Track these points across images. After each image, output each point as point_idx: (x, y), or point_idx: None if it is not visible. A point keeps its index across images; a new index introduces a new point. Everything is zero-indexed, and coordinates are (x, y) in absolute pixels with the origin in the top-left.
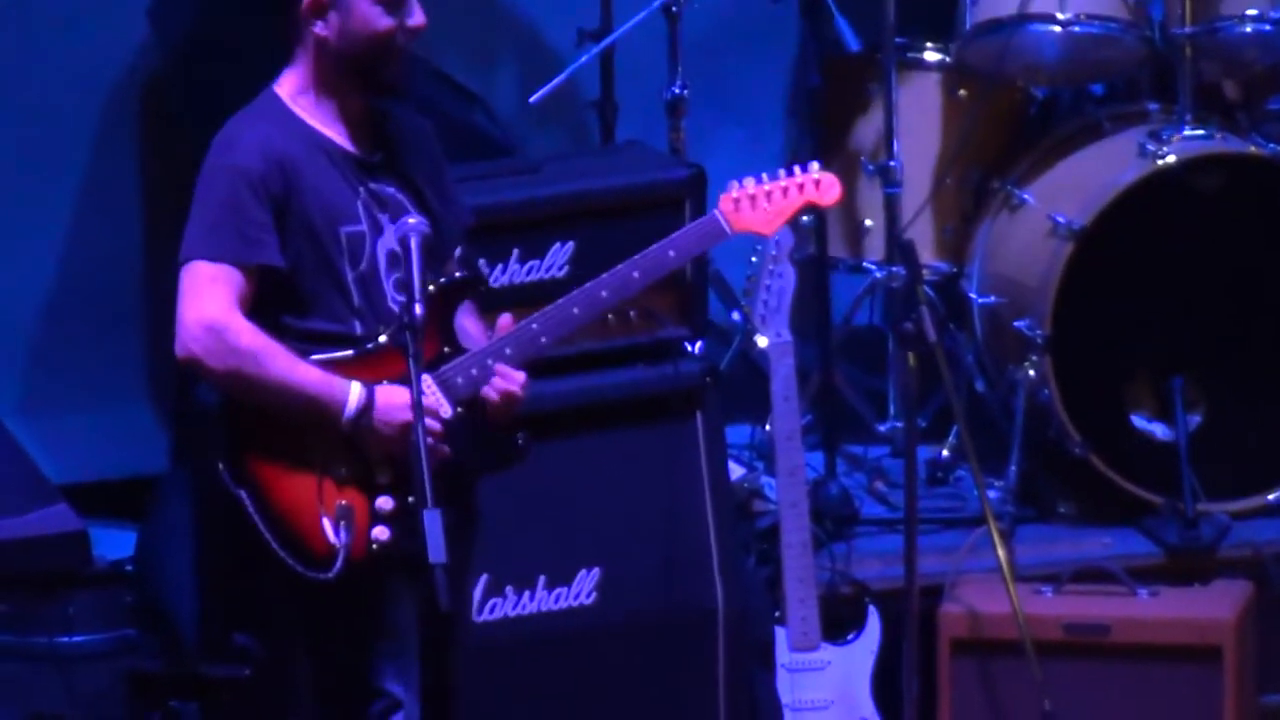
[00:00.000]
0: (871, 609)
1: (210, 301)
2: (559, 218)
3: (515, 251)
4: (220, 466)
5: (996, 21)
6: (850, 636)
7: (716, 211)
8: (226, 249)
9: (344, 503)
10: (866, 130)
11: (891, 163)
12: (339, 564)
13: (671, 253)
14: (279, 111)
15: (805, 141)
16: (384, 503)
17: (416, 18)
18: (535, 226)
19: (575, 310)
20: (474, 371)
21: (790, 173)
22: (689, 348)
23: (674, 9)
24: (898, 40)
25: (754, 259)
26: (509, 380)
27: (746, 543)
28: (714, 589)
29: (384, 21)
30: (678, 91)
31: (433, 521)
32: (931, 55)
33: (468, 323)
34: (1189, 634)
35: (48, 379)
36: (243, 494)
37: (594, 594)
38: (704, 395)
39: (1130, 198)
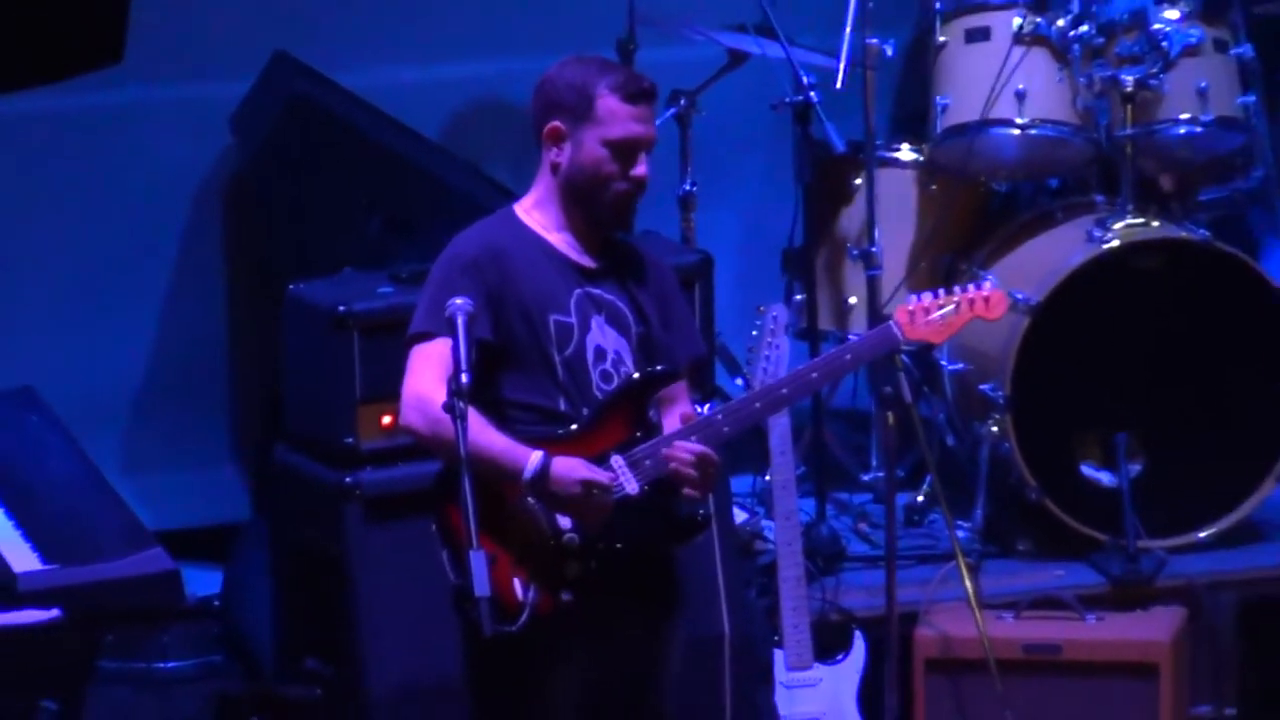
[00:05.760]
0: (857, 633)
1: (421, 377)
2: None
3: None
4: (434, 527)
5: (963, 125)
6: (839, 657)
7: (893, 322)
8: (438, 324)
9: (533, 565)
10: (851, 220)
11: (873, 248)
12: (524, 618)
13: (848, 356)
14: (509, 220)
15: (798, 230)
16: (571, 569)
17: (639, 169)
18: None
19: (758, 405)
20: (662, 451)
21: (964, 289)
22: (699, 410)
23: (684, 118)
24: (878, 142)
25: (754, 333)
26: (680, 450)
27: (749, 578)
28: (722, 617)
29: (609, 166)
30: (688, 188)
31: (478, 561)
32: (907, 155)
33: (676, 419)
34: (1131, 653)
35: (146, 441)
36: (445, 553)
37: None
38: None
39: (1079, 277)
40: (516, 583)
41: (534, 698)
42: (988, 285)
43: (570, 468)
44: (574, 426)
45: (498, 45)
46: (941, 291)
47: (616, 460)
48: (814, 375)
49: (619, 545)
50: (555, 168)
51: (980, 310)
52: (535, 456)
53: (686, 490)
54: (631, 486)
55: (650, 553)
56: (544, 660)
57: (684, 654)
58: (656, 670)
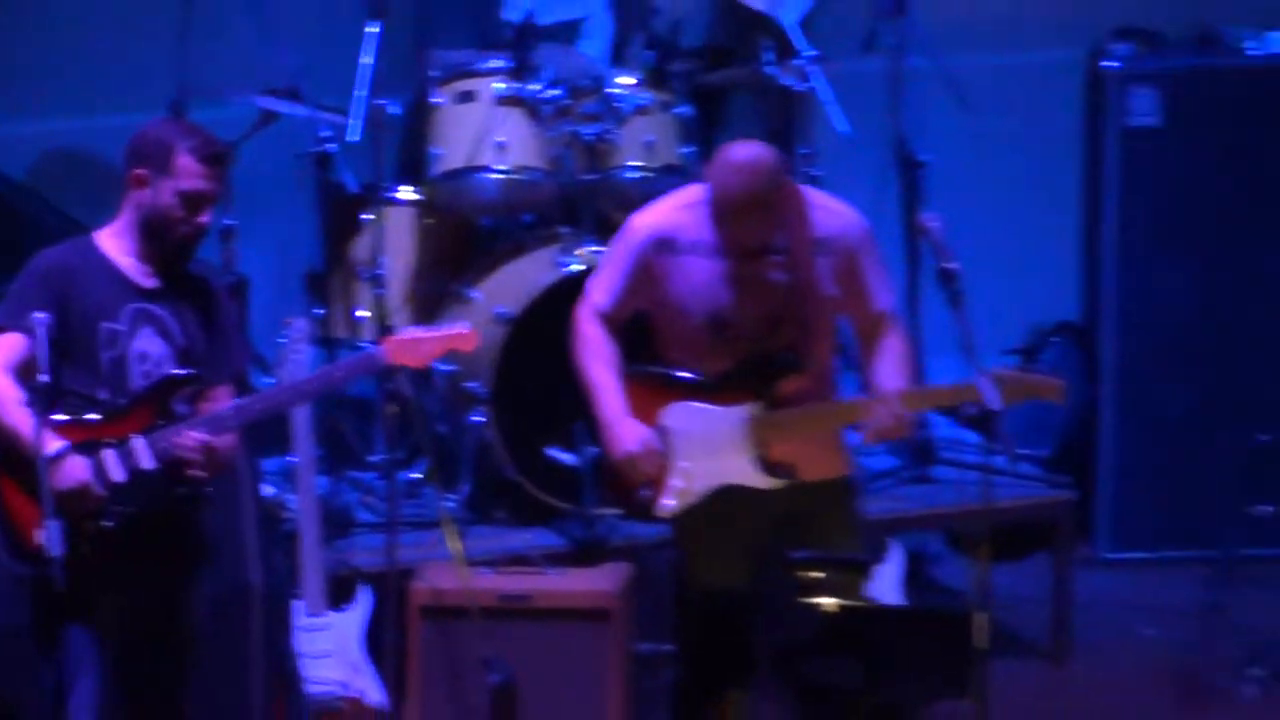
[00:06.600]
0: (363, 586)
1: None
2: None
3: None
4: None
5: (455, 171)
6: (347, 606)
7: (380, 348)
8: (9, 321)
9: (55, 521)
10: (363, 248)
11: (379, 271)
12: (47, 562)
13: (339, 374)
14: (87, 245)
15: (321, 256)
16: (89, 526)
17: (203, 218)
18: None
19: (259, 406)
20: (174, 436)
21: (443, 328)
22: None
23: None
24: (384, 184)
25: (282, 340)
26: (187, 438)
27: (275, 540)
28: (251, 573)
29: (178, 212)
30: (229, 223)
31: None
32: (408, 194)
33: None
34: (587, 601)
35: None
36: None
37: None
38: (247, 438)
39: (548, 295)
40: (38, 532)
41: (84, 641)
42: (462, 327)
43: (76, 469)
44: (106, 413)
45: (77, 106)
46: (427, 328)
47: (138, 440)
48: (311, 386)
49: (131, 509)
50: (136, 206)
51: (456, 344)
52: (55, 445)
53: (189, 471)
54: (148, 463)
55: (164, 517)
56: (84, 606)
57: (215, 603)
58: (180, 615)
